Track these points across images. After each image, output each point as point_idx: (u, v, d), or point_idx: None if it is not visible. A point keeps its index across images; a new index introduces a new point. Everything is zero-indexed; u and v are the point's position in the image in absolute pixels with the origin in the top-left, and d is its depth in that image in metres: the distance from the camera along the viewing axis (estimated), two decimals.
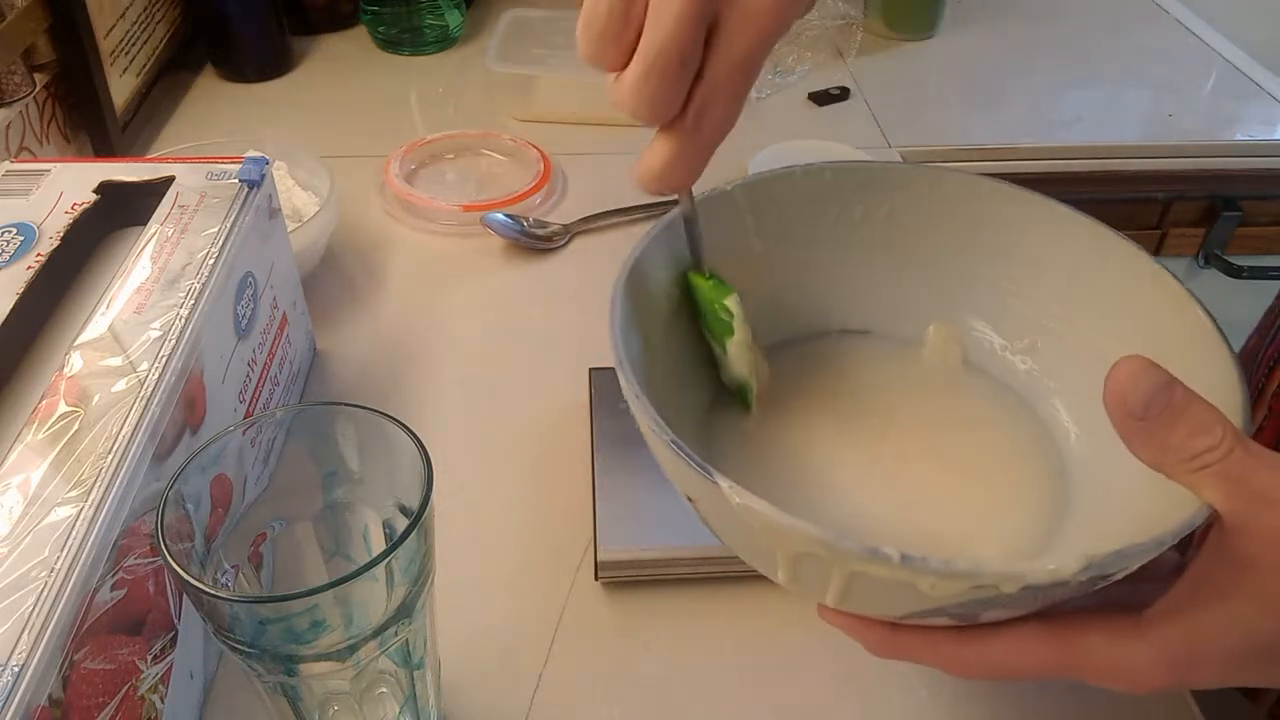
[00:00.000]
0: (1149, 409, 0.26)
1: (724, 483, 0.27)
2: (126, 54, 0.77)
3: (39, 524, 0.31)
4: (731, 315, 0.36)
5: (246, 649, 0.29)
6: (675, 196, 0.34)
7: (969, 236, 0.40)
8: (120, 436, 0.34)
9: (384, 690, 0.34)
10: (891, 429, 0.39)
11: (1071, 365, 0.38)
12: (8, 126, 0.64)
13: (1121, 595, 0.29)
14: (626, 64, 0.29)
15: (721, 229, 0.39)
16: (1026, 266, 0.39)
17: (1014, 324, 0.40)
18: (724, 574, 0.45)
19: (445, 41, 0.93)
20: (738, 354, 0.37)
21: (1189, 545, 0.29)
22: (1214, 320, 0.33)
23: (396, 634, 0.31)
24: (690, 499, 0.32)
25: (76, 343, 0.37)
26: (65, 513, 0.31)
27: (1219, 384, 0.30)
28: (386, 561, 0.28)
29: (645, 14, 0.28)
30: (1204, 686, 0.28)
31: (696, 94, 0.29)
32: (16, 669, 0.27)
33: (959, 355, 0.41)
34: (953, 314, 0.41)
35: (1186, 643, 0.27)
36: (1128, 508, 0.33)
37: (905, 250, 0.41)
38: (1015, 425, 0.39)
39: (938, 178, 0.40)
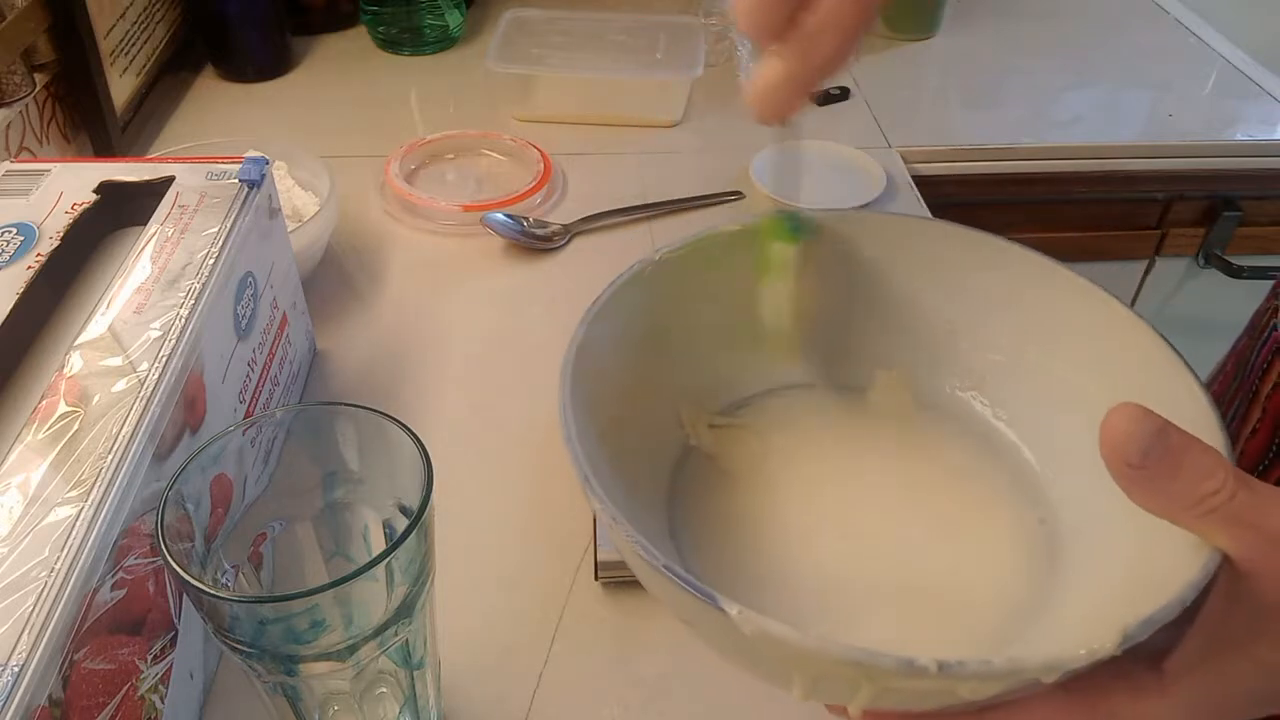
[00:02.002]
0: (1146, 458, 0.25)
1: (733, 609, 0.25)
2: (126, 54, 0.77)
3: (39, 524, 0.31)
4: (776, 258, 0.37)
5: (246, 649, 0.29)
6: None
7: (912, 279, 0.39)
8: (120, 436, 0.34)
9: (384, 690, 0.34)
10: (859, 484, 0.38)
11: (1027, 400, 0.38)
12: (8, 126, 0.64)
13: (1138, 658, 0.28)
14: None
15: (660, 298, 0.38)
16: (972, 305, 0.39)
17: (963, 364, 0.40)
18: None
19: (445, 41, 0.93)
20: (770, 299, 0.37)
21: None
22: (1174, 349, 0.32)
23: (396, 634, 0.31)
24: (683, 620, 0.30)
25: (76, 343, 0.37)
26: (65, 513, 0.31)
27: (1192, 415, 0.30)
28: (386, 561, 0.28)
29: None
30: None
31: (806, 18, 0.29)
32: (16, 669, 0.27)
33: (910, 401, 0.40)
34: (897, 358, 0.40)
35: (1209, 694, 0.27)
36: (1115, 539, 0.32)
37: (844, 298, 0.40)
38: (983, 466, 0.38)
39: (881, 223, 0.40)
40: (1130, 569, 0.31)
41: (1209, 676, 0.27)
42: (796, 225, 0.37)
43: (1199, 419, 0.30)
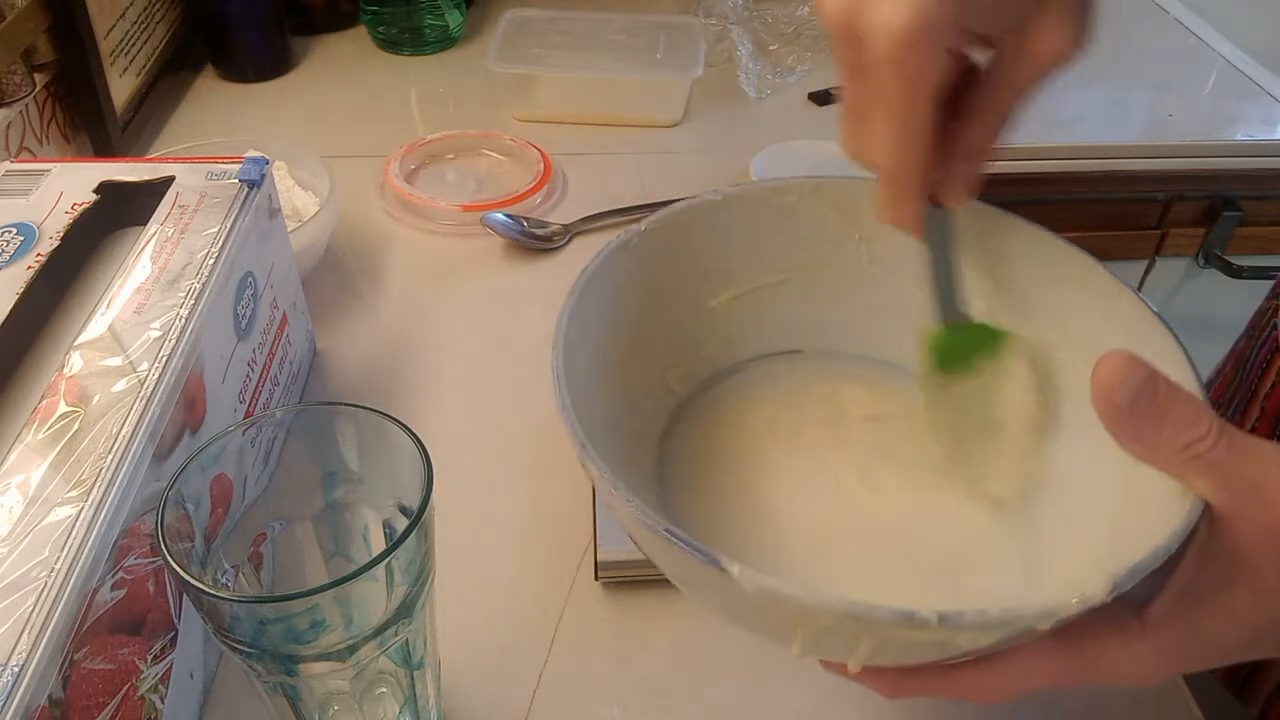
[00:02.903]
0: (1135, 403, 0.26)
1: (735, 568, 0.25)
2: (126, 54, 0.77)
3: (39, 524, 0.31)
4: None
5: (246, 649, 0.29)
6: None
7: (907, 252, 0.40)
8: (120, 436, 0.34)
9: (384, 690, 0.34)
10: (845, 447, 0.39)
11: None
12: (8, 126, 0.64)
13: (1121, 605, 0.29)
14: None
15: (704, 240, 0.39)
16: (976, 274, 0.39)
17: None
18: None
19: (445, 41, 0.93)
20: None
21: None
22: (1159, 314, 0.33)
23: (396, 634, 0.31)
24: (682, 583, 0.30)
25: (76, 343, 0.37)
26: (65, 513, 0.31)
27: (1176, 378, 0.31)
28: (386, 561, 0.28)
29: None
30: (1203, 668, 0.29)
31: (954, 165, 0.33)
32: (16, 669, 0.27)
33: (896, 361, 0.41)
34: (899, 328, 0.41)
35: (1189, 639, 0.28)
36: (1098, 500, 0.33)
37: (859, 272, 0.41)
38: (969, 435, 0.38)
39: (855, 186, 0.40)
40: (1115, 522, 0.31)
41: (1188, 621, 0.28)
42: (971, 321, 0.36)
43: (1184, 383, 0.30)
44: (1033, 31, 0.31)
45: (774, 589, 0.25)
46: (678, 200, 0.39)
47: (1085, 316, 0.35)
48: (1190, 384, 0.31)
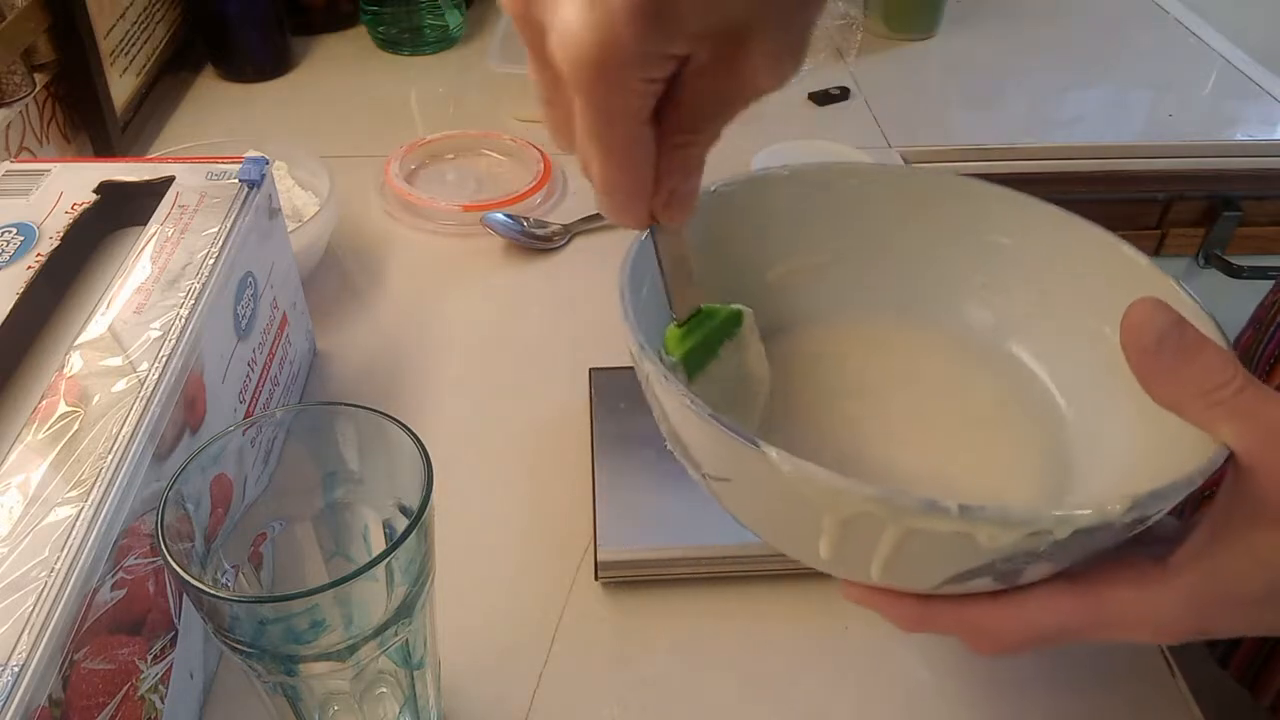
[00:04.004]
0: (1163, 344, 0.27)
1: (772, 451, 0.27)
2: (126, 54, 0.77)
3: (39, 524, 0.31)
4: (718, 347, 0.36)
5: (246, 649, 0.29)
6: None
7: (951, 230, 0.41)
8: (120, 436, 0.34)
9: (384, 690, 0.34)
10: (886, 401, 0.40)
11: (1055, 342, 0.39)
12: (8, 126, 0.64)
13: (1135, 550, 0.29)
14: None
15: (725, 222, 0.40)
16: (1003, 256, 0.40)
17: (996, 310, 0.41)
18: (724, 574, 0.45)
19: (445, 41, 0.93)
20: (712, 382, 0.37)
21: (1186, 509, 0.29)
22: (1190, 293, 0.34)
23: (396, 634, 0.31)
24: (722, 479, 0.31)
25: (76, 343, 0.37)
26: (65, 513, 0.31)
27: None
28: (386, 561, 0.28)
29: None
30: (1228, 633, 0.29)
31: (662, 176, 0.29)
32: (16, 669, 0.27)
33: (938, 325, 0.42)
34: (941, 299, 0.42)
35: (1210, 583, 0.27)
36: (1124, 467, 0.33)
37: (887, 241, 0.42)
38: (1008, 398, 0.40)
39: (918, 177, 0.41)
40: (1139, 469, 0.32)
41: (1209, 567, 0.27)
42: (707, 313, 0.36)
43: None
44: (742, 58, 0.26)
45: (808, 471, 0.26)
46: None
47: (1115, 291, 0.36)
48: (1218, 340, 0.31)
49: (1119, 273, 0.36)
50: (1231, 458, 0.27)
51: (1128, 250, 0.36)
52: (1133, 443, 0.33)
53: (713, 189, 0.40)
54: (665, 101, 0.27)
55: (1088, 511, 0.26)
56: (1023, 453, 0.37)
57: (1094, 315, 0.37)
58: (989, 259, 0.40)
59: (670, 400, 0.30)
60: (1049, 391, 0.39)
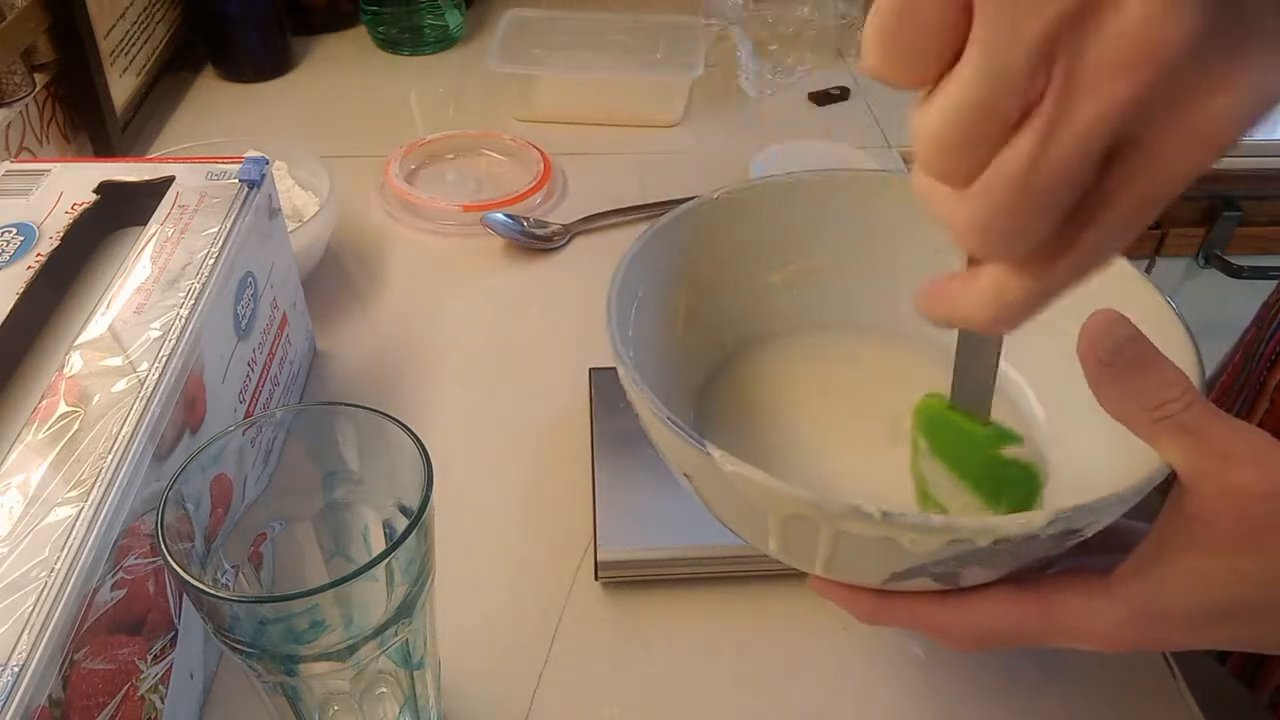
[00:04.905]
0: (1117, 356, 0.27)
1: (716, 453, 0.29)
2: (126, 54, 0.77)
3: (39, 524, 0.31)
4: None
5: (246, 649, 0.29)
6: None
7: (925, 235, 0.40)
8: (120, 436, 0.34)
9: (384, 690, 0.34)
10: (869, 412, 0.40)
11: (1033, 352, 0.39)
12: (8, 126, 0.64)
13: (1087, 563, 0.30)
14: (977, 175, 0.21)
15: (734, 226, 0.41)
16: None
17: None
18: (724, 574, 0.45)
19: (445, 41, 0.93)
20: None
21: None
22: (1172, 305, 0.34)
23: (396, 634, 0.31)
24: (686, 475, 0.32)
25: (76, 343, 0.37)
26: (65, 513, 0.31)
27: (1180, 361, 0.31)
28: (386, 561, 0.28)
29: (1026, 109, 0.20)
30: (1175, 647, 0.30)
31: (1079, 233, 0.21)
32: (16, 669, 0.27)
33: (916, 337, 0.42)
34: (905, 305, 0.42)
35: (1150, 598, 0.28)
36: (1099, 480, 0.33)
37: (860, 248, 0.42)
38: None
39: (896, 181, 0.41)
40: (1109, 480, 0.32)
41: (1148, 582, 0.28)
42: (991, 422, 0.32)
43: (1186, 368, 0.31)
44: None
45: (744, 472, 0.28)
46: (752, 180, 0.42)
47: (1096, 299, 0.36)
48: (1189, 357, 0.31)
49: (1103, 281, 0.36)
50: (1174, 476, 0.27)
51: (1123, 264, 0.36)
52: (1105, 453, 0.34)
53: (714, 195, 0.40)
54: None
55: (1008, 521, 0.26)
56: None
57: (1076, 323, 0.37)
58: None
59: (639, 401, 0.32)
60: (1026, 394, 0.40)
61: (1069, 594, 0.29)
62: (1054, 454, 0.38)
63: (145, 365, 0.36)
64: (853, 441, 0.39)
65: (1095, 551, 0.31)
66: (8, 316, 0.39)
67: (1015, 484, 0.32)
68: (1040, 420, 0.39)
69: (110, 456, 0.33)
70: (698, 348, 0.42)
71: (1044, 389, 0.40)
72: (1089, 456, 0.35)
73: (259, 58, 0.87)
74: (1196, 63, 0.19)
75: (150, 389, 0.36)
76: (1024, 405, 0.40)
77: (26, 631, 0.28)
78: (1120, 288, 0.35)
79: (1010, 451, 0.32)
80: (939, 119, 0.21)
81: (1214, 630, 0.28)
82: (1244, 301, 0.69)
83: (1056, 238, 0.22)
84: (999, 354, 0.30)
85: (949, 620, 0.31)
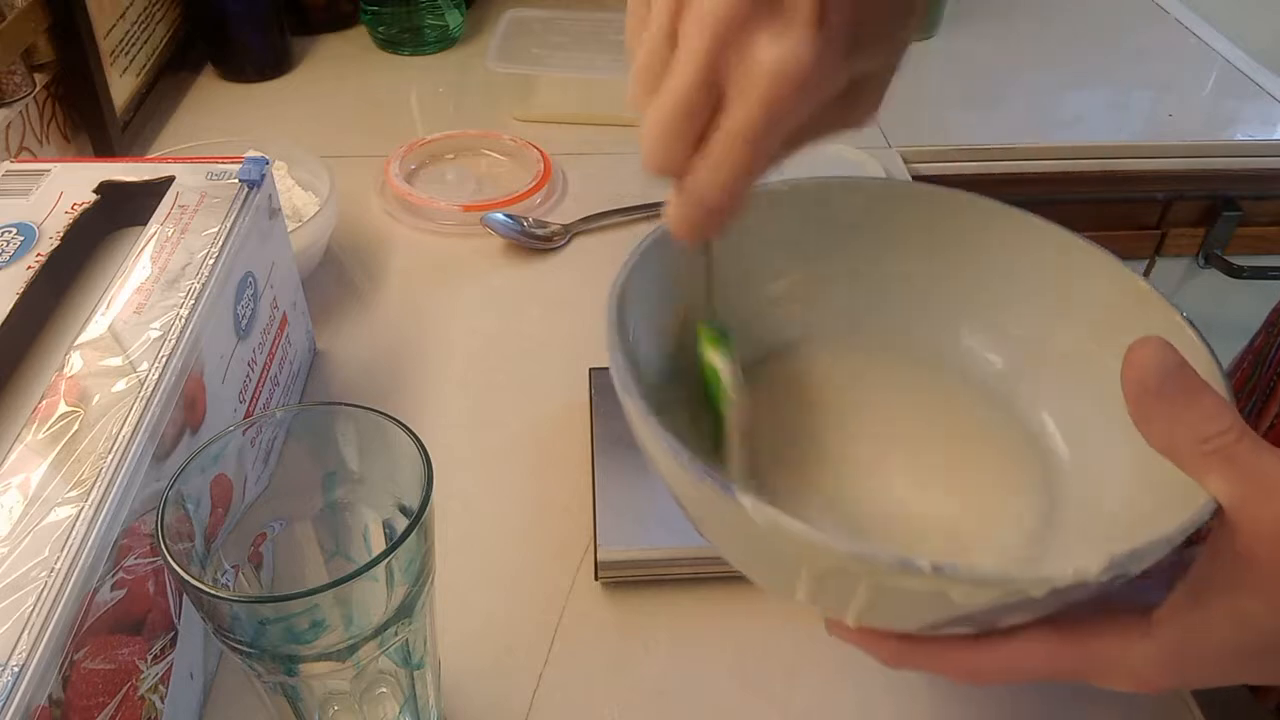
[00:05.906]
0: (1164, 385, 0.27)
1: (747, 501, 0.26)
2: (126, 54, 0.77)
3: (39, 524, 0.31)
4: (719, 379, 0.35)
5: (246, 649, 0.29)
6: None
7: (955, 252, 0.40)
8: (120, 436, 0.34)
9: (384, 690, 0.34)
10: (876, 435, 0.39)
11: (1055, 376, 0.39)
12: (8, 126, 0.64)
13: (1122, 593, 0.29)
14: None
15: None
16: (1007, 280, 0.39)
17: (997, 337, 0.40)
18: (724, 574, 0.45)
19: (445, 41, 0.93)
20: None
21: (1190, 541, 0.29)
22: (1198, 330, 0.33)
23: (396, 634, 0.31)
24: (697, 519, 0.31)
25: (76, 343, 0.37)
26: (65, 513, 0.31)
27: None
28: (386, 561, 0.28)
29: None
30: (1208, 685, 0.28)
31: (695, 157, 0.29)
32: (16, 669, 0.27)
33: (932, 356, 0.42)
34: (941, 325, 0.41)
35: (1190, 640, 0.27)
36: (1116, 511, 0.33)
37: (889, 263, 0.41)
38: (1001, 434, 0.39)
39: (928, 194, 0.40)
40: (1129, 528, 0.31)
41: (1191, 622, 0.27)
42: (723, 331, 0.36)
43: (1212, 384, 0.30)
44: (854, 97, 0.30)
45: (782, 523, 0.26)
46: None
47: (1119, 321, 0.36)
48: (1218, 386, 0.30)
49: (1125, 303, 0.36)
50: (1219, 512, 0.27)
51: (1140, 282, 0.35)
52: (1127, 481, 0.33)
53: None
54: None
55: (1064, 573, 0.25)
56: (1013, 488, 0.37)
57: (1096, 345, 0.37)
58: (991, 282, 0.40)
59: (650, 442, 0.29)
60: (1043, 422, 0.39)
61: (1108, 635, 0.28)
62: (1077, 492, 0.36)
63: (145, 365, 0.36)
64: (863, 466, 0.38)
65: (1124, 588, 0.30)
66: (8, 316, 0.39)
67: (711, 376, 0.36)
68: (1057, 440, 0.38)
69: (110, 456, 0.33)
70: (694, 368, 0.40)
71: (1069, 427, 0.38)
72: (1109, 482, 0.34)
73: (259, 58, 0.87)
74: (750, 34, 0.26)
75: (150, 389, 0.36)
76: (1046, 442, 0.39)
77: (26, 631, 0.28)
78: (1138, 309, 0.35)
79: (708, 354, 0.36)
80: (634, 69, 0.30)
81: (1246, 666, 0.27)
82: (1244, 301, 0.69)
83: (690, 161, 0.29)
84: (707, 263, 0.35)
85: (980, 665, 0.30)
